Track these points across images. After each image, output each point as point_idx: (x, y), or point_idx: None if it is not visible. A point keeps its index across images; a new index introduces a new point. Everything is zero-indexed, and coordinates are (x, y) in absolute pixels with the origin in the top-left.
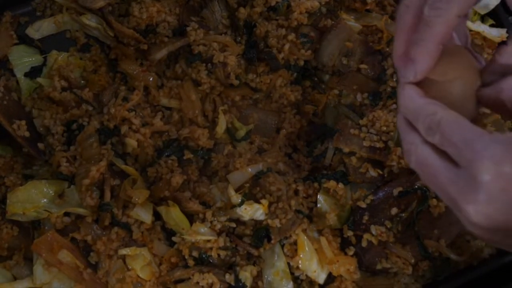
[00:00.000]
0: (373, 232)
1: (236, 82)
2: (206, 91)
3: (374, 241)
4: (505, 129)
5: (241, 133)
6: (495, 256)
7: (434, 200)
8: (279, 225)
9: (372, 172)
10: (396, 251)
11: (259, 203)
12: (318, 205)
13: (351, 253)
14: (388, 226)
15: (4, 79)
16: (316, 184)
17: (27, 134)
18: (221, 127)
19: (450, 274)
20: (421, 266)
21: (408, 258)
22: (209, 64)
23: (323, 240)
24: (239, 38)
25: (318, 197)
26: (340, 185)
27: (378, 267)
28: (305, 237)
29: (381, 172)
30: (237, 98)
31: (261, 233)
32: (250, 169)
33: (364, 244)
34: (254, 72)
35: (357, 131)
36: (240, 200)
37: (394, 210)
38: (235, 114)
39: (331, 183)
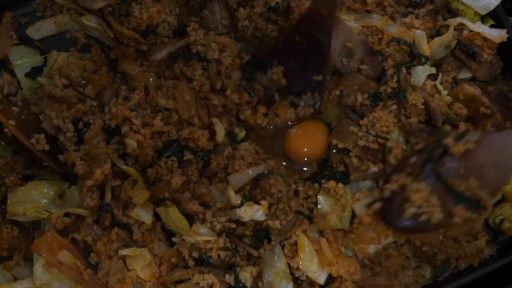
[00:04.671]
0: (394, 179)
1: (219, 85)
2: (196, 89)
3: (395, 187)
4: None
5: (241, 135)
6: (495, 256)
7: (449, 139)
8: (279, 226)
9: (373, 168)
10: (416, 187)
11: (259, 204)
12: (319, 206)
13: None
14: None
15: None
16: (316, 185)
17: (46, 147)
18: (220, 135)
19: (451, 275)
20: (421, 267)
21: (432, 196)
22: (205, 62)
23: (323, 241)
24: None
25: (318, 197)
26: (340, 185)
27: (407, 214)
28: (306, 238)
29: (382, 166)
30: (216, 102)
31: (261, 234)
32: (250, 171)
33: (386, 194)
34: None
35: (356, 129)
36: (240, 201)
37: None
38: (230, 120)
39: (331, 183)
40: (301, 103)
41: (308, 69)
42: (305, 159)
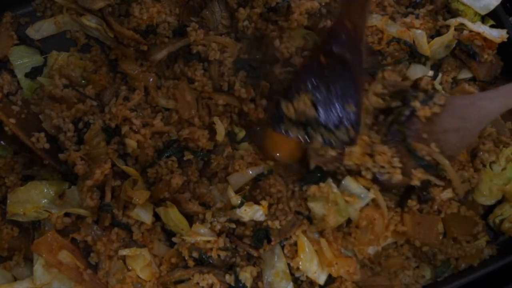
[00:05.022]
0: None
1: (226, 86)
2: (198, 89)
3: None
4: (505, 130)
5: (241, 135)
6: (495, 257)
7: (416, 102)
8: (279, 227)
9: (332, 152)
10: (381, 149)
11: (259, 204)
12: (312, 212)
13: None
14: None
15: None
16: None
17: (47, 146)
18: (220, 135)
19: (451, 275)
20: (421, 267)
21: (395, 157)
22: (206, 62)
23: (323, 241)
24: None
25: (309, 205)
26: (322, 184)
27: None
28: (305, 238)
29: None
30: (221, 101)
31: (261, 234)
32: (250, 171)
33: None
34: None
35: None
36: (239, 202)
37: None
38: (231, 119)
39: (312, 189)
40: (332, 141)
41: (340, 98)
42: (285, 159)
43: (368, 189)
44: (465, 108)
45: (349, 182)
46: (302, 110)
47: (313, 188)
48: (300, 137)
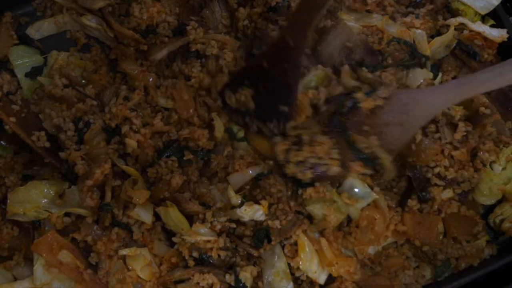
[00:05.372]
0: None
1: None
2: (195, 86)
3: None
4: (505, 130)
5: (241, 133)
6: (495, 256)
7: (360, 94)
8: (279, 226)
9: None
10: (320, 139)
11: (259, 204)
12: (312, 213)
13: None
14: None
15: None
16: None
17: (47, 144)
18: (219, 131)
19: (451, 275)
20: (422, 267)
21: (333, 149)
22: (203, 59)
23: (323, 241)
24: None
25: (307, 209)
26: (317, 185)
27: (308, 163)
28: (306, 238)
29: None
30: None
31: (261, 234)
32: (250, 171)
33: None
34: None
35: None
36: (240, 201)
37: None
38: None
39: (308, 191)
40: (264, 131)
41: (275, 98)
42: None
43: (372, 188)
44: (408, 102)
45: (353, 181)
46: (243, 101)
47: (309, 190)
48: (238, 123)
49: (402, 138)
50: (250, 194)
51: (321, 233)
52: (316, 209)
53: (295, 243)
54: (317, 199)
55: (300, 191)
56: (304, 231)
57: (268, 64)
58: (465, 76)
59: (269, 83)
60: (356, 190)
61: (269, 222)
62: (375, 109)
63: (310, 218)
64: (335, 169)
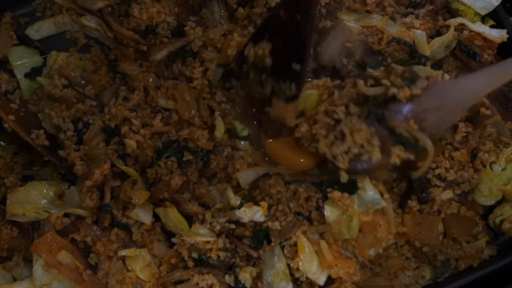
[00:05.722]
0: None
1: None
2: (198, 88)
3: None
4: (505, 130)
5: (245, 132)
6: (495, 257)
7: (395, 89)
8: (279, 228)
9: None
10: (359, 127)
11: (259, 205)
12: (325, 213)
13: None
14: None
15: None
16: (319, 194)
17: (46, 142)
18: (219, 131)
19: (451, 275)
20: (421, 267)
21: (373, 136)
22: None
23: (322, 243)
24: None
25: (325, 207)
26: (345, 195)
27: (351, 154)
28: (305, 239)
29: None
30: (218, 97)
31: (260, 235)
32: (259, 170)
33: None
34: None
35: None
36: (239, 202)
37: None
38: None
39: (336, 194)
40: (277, 91)
41: (290, 54)
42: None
43: (382, 195)
44: (445, 87)
45: (367, 185)
46: (260, 56)
47: (336, 193)
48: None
49: (441, 122)
50: (250, 195)
51: (321, 235)
52: (330, 212)
53: (295, 244)
54: (338, 206)
55: (329, 189)
56: (304, 232)
57: (284, 14)
58: (500, 62)
59: (285, 36)
60: (367, 194)
61: (269, 223)
62: (413, 97)
63: (309, 219)
64: (377, 155)
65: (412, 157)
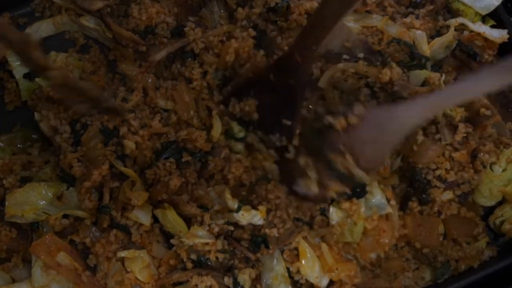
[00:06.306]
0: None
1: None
2: (197, 89)
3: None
4: (506, 131)
5: (241, 134)
6: (495, 258)
7: (330, 117)
8: (277, 235)
9: None
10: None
11: (257, 209)
12: (330, 216)
13: None
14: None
15: None
16: None
17: None
18: (216, 131)
19: (451, 277)
20: (421, 269)
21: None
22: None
23: (323, 246)
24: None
25: (330, 209)
26: (355, 201)
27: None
28: (307, 245)
29: None
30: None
31: (258, 240)
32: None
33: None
34: None
35: None
36: (236, 206)
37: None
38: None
39: (346, 204)
40: (265, 141)
41: (280, 112)
42: None
43: (388, 201)
44: (381, 119)
45: (375, 189)
46: (247, 111)
47: (346, 204)
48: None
49: (378, 155)
50: (247, 199)
51: (322, 237)
52: (336, 213)
53: (295, 249)
54: (344, 210)
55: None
56: (305, 238)
57: (274, 78)
58: (435, 92)
59: (274, 97)
60: (374, 199)
61: (267, 230)
62: (350, 127)
63: (310, 224)
64: (314, 189)
65: (347, 190)
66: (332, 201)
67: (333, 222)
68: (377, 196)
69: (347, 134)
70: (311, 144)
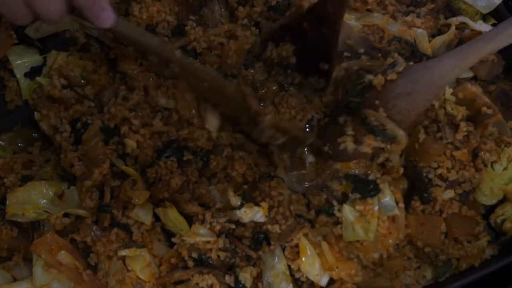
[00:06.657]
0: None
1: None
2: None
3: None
4: (507, 130)
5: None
6: (496, 257)
7: (371, 76)
8: (278, 231)
9: None
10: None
11: (259, 205)
12: (344, 214)
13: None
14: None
15: None
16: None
17: None
18: (211, 125)
19: (452, 275)
20: (422, 267)
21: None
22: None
23: (324, 244)
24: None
25: (344, 206)
26: (369, 201)
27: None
28: (307, 242)
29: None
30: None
31: (260, 236)
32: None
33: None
34: None
35: None
36: (239, 203)
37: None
38: None
39: (360, 207)
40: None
41: (316, 56)
42: None
43: (397, 204)
44: (417, 71)
45: (386, 190)
46: (284, 56)
47: (360, 207)
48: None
49: (411, 107)
50: (250, 195)
51: (324, 236)
52: (349, 211)
53: (296, 246)
54: (358, 209)
55: (351, 196)
56: (305, 235)
57: (307, 26)
58: (470, 41)
59: (309, 42)
60: (383, 200)
61: (269, 226)
62: (386, 83)
63: (311, 222)
64: (351, 145)
65: (383, 145)
66: (345, 200)
67: (348, 220)
68: (387, 197)
69: (385, 89)
70: (349, 104)
